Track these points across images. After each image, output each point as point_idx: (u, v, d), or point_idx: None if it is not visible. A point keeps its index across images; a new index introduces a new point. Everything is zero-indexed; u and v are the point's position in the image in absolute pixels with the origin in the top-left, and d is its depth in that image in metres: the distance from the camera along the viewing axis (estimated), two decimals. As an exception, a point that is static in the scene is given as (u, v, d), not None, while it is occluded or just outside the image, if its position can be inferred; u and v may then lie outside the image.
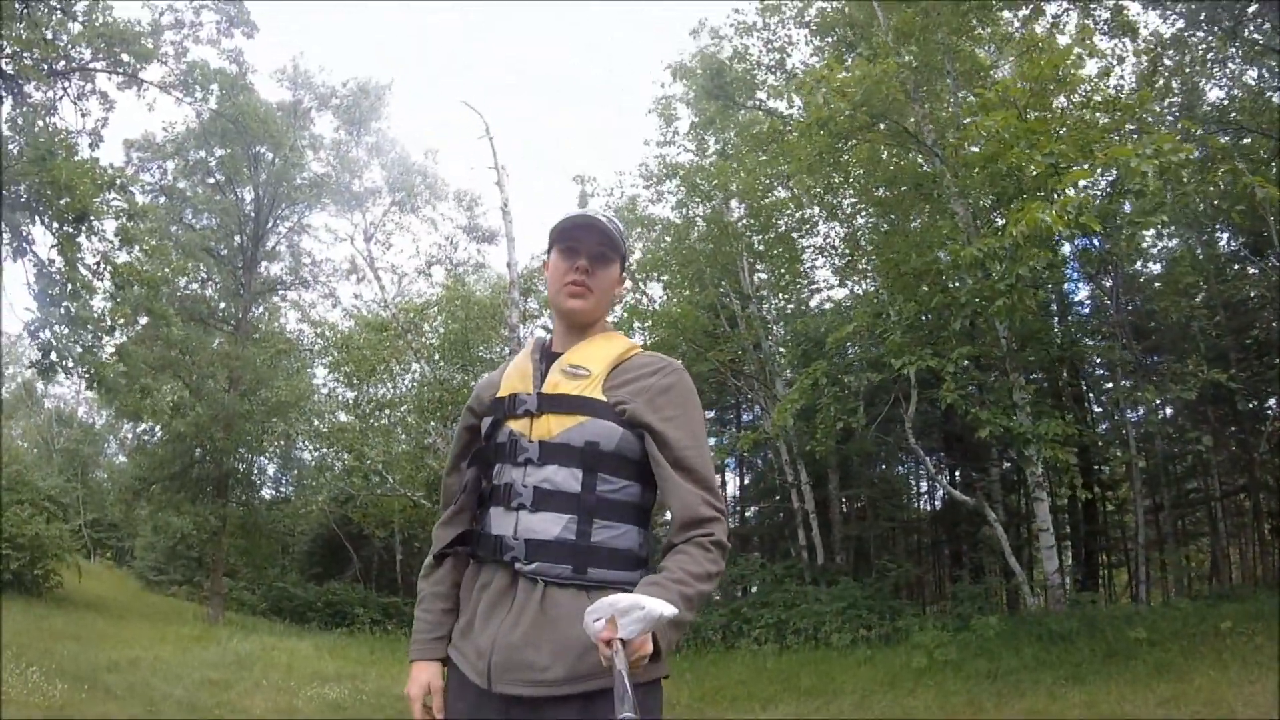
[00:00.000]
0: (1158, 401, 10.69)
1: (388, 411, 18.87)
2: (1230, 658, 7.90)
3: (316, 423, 17.75)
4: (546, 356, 1.89)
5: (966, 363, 11.23)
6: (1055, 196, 9.16)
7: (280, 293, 20.03)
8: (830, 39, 13.33)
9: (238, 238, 17.88)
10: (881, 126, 11.30)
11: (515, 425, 1.79)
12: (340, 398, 19.36)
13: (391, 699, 9.25)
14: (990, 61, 12.28)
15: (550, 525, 1.69)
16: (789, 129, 13.98)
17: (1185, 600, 11.79)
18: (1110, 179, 9.96)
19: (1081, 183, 8.52)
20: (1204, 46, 11.39)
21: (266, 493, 20.92)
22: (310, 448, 18.91)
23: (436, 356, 19.67)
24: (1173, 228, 10.88)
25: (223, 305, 18.27)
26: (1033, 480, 12.87)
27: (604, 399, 1.75)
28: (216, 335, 17.81)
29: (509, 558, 1.71)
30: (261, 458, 19.39)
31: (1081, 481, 11.73)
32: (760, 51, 14.19)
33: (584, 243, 1.85)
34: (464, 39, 68.42)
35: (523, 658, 1.63)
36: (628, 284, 2.01)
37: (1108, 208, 8.21)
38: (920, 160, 13.19)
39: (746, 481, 23.06)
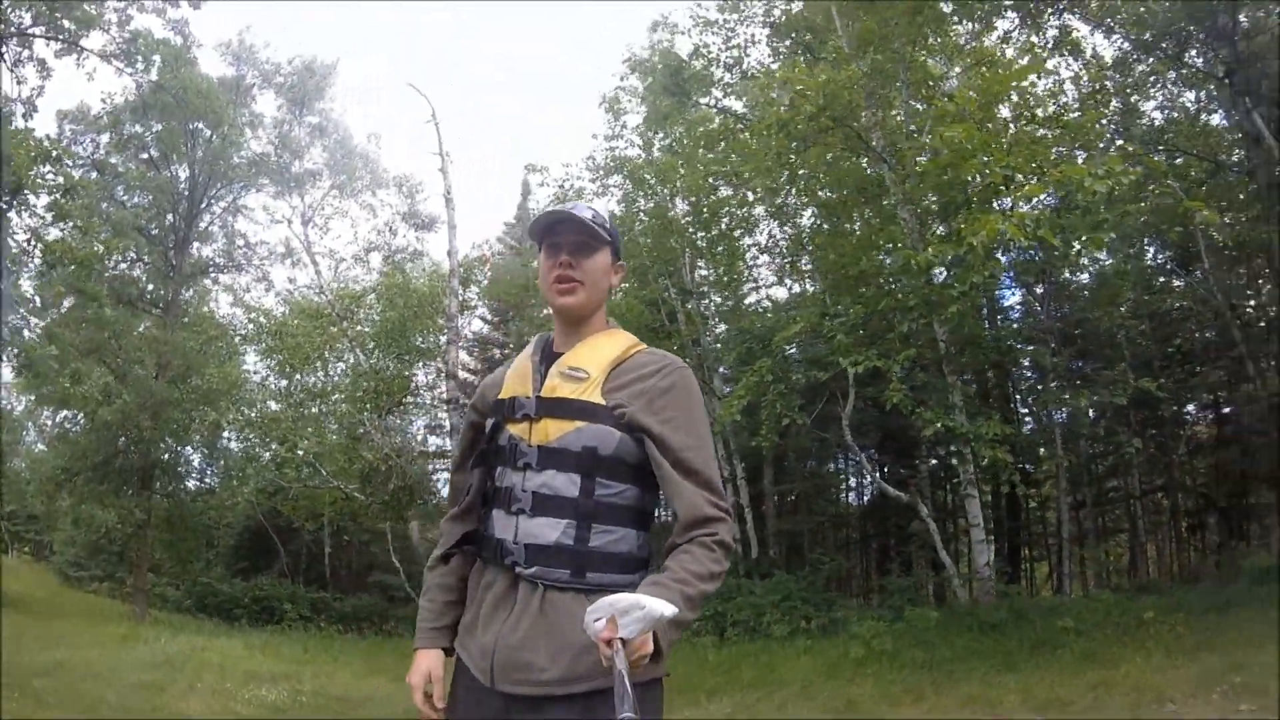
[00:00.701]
0: (1088, 404, 11.24)
1: (319, 401, 18.35)
2: (1154, 646, 8.29)
3: (249, 412, 17.10)
4: (547, 357, 1.87)
5: (911, 364, 11.59)
6: (1006, 208, 9.60)
7: (212, 275, 19.24)
8: (788, 41, 13.52)
9: (170, 217, 17.03)
10: (836, 131, 11.53)
11: (515, 429, 1.79)
12: (272, 386, 18.74)
13: (330, 699, 9.10)
14: (940, 72, 12.70)
15: (549, 530, 1.70)
16: (741, 128, 14.16)
17: (1106, 592, 12.43)
18: (1057, 195, 10.40)
19: (1034, 197, 8.89)
20: (1144, 69, 12.01)
21: (191, 484, 20.18)
22: (239, 437, 18.26)
23: (371, 345, 19.24)
24: (1114, 237, 11.43)
25: (150, 287, 17.40)
26: (965, 477, 13.39)
27: (602, 402, 1.74)
28: (144, 318, 16.97)
29: (509, 561, 1.72)
30: (187, 448, 18.64)
31: (1018, 479, 12.24)
32: (719, 49, 14.30)
33: (564, 236, 1.84)
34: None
35: (522, 658, 1.65)
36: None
37: (1058, 221, 8.63)
38: (864, 164, 13.53)
39: (681, 474, 23.20)
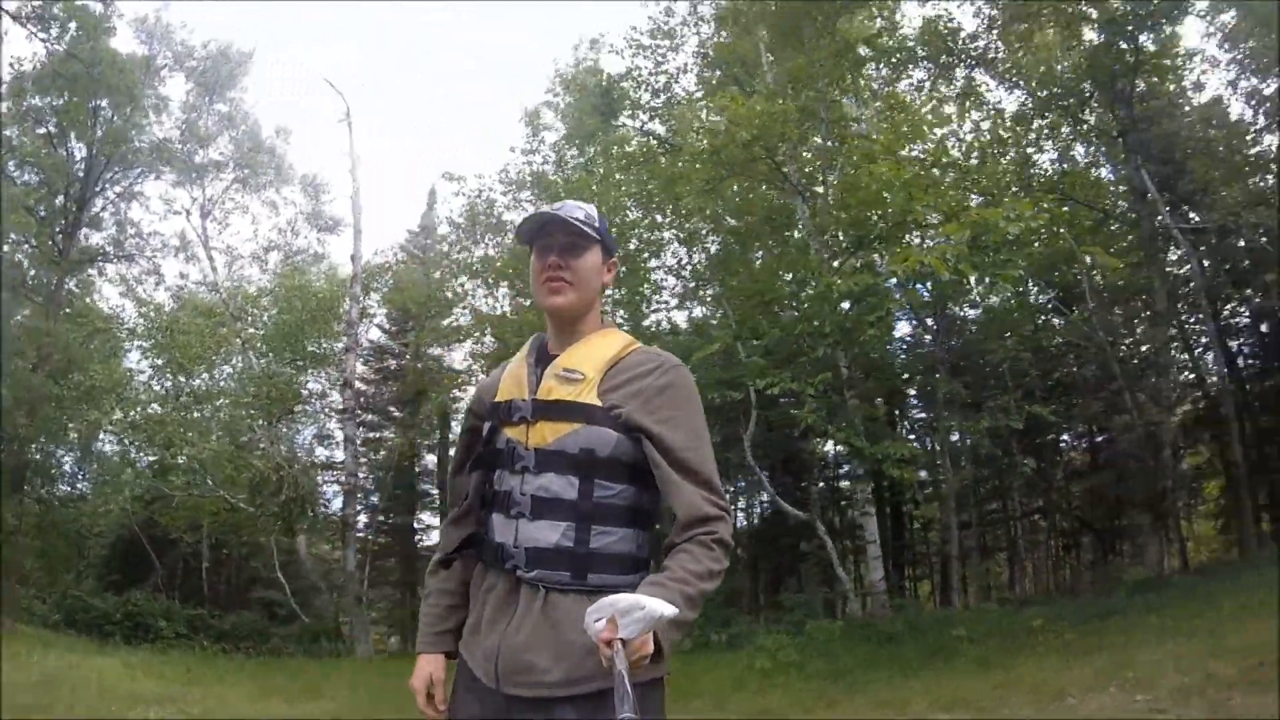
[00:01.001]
0: (988, 427, 12.17)
1: (204, 405, 17.31)
2: (1045, 650, 8.91)
3: (132, 413, 15.86)
4: (542, 359, 1.84)
5: (825, 388, 12.13)
6: (918, 243, 10.35)
7: (99, 264, 17.74)
8: (719, 73, 13.97)
9: (61, 198, 15.61)
10: (762, 162, 12.06)
11: (512, 432, 1.77)
12: (158, 387, 17.50)
13: (219, 722, 8.60)
14: (854, 114, 13.52)
15: (549, 533, 1.69)
16: (662, 151, 14.56)
17: (993, 605, 13.33)
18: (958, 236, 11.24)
19: (952, 236, 9.59)
20: (1042, 123, 13.22)
21: (62, 488, 18.41)
22: (117, 440, 16.87)
23: (262, 347, 18.36)
24: (1023, 274, 12.44)
25: (32, 273, 15.85)
26: (863, 497, 14.11)
27: (599, 404, 1.72)
28: (25, 306, 15.42)
29: (510, 565, 1.72)
30: (60, 449, 17.05)
31: (922, 497, 13.01)
32: (649, 72, 14.61)
33: (552, 237, 1.81)
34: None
35: (526, 661, 1.66)
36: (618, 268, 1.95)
37: (970, 258, 9.38)
38: (772, 195, 14.13)
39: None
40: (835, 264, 12.80)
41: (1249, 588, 8.86)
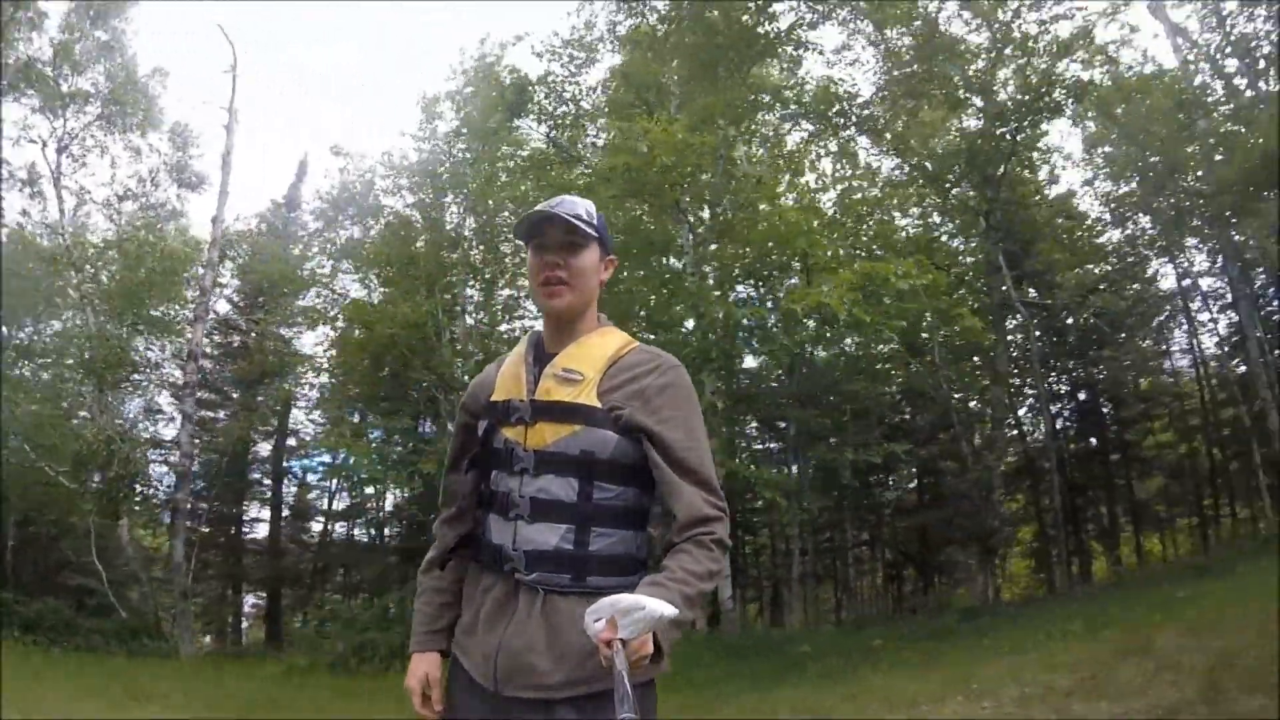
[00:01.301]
0: (849, 459, 13.15)
1: (25, 362, 15.46)
2: (889, 665, 9.68)
3: None
4: (540, 357, 1.83)
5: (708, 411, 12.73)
6: (805, 284, 11.18)
7: None
8: (630, 94, 14.31)
9: None
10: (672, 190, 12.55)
11: (510, 433, 1.76)
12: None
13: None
14: (740, 154, 14.33)
15: (548, 536, 1.69)
16: (560, 160, 14.79)
17: (829, 626, 14.37)
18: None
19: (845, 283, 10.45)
20: (911, 191, 14.62)
21: None
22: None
23: (100, 304, 16.67)
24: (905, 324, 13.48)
25: None
26: (725, 521, 14.77)
27: (598, 405, 1.72)
28: None
29: (508, 568, 1.72)
30: None
31: (790, 520, 13.82)
32: (562, 79, 14.79)
33: (549, 236, 1.80)
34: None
35: (527, 663, 1.65)
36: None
37: (859, 304, 10.29)
38: (651, 218, 14.66)
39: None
40: (717, 294, 13.51)
41: (1067, 617, 10.02)
